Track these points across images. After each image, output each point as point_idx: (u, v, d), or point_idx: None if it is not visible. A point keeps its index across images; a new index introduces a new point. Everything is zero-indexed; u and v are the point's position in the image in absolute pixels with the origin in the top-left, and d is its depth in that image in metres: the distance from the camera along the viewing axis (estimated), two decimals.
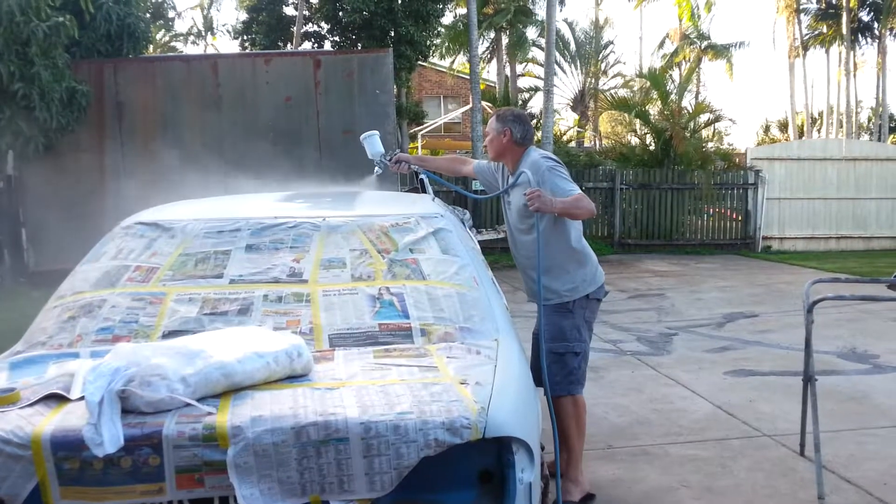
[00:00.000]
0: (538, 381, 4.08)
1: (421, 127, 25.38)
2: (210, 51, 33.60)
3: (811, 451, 4.05)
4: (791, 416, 4.82)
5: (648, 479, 4.19)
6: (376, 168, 4.38)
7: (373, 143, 4.38)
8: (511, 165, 3.98)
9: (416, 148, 24.59)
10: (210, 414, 2.14)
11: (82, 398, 2.17)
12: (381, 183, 4.84)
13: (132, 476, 2.07)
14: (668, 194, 15.83)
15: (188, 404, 2.16)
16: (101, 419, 2.05)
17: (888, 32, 28.82)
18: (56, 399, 2.26)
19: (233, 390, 2.29)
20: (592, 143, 29.81)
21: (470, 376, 2.41)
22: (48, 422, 2.11)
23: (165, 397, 2.14)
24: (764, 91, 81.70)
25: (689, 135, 17.01)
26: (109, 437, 2.02)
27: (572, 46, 31.08)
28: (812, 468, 4.00)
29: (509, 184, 3.94)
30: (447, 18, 23.50)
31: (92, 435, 2.03)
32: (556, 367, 3.83)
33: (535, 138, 21.34)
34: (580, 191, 3.73)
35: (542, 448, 2.70)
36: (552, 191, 3.68)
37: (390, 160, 4.27)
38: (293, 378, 2.43)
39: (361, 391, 2.30)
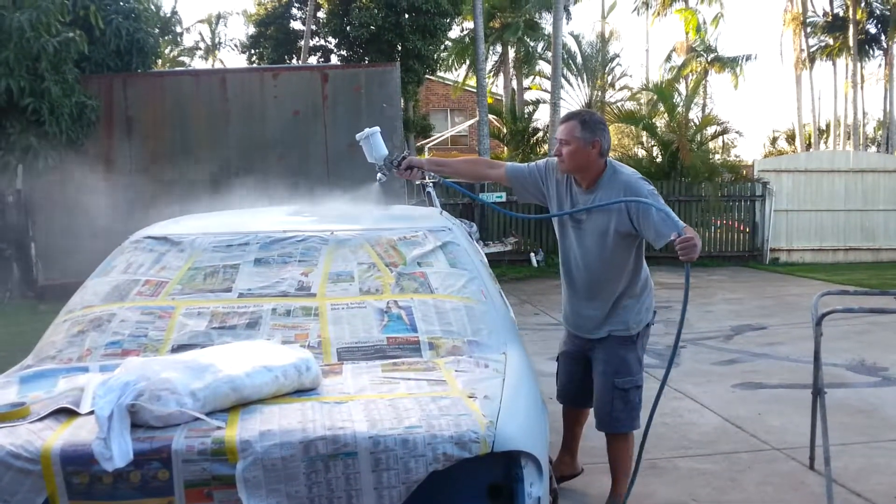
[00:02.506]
0: (568, 400, 3.99)
1: (428, 140, 25.47)
2: (217, 65, 33.78)
3: (821, 465, 4.03)
4: (800, 429, 4.79)
5: (658, 493, 4.16)
6: (379, 175, 3.74)
7: (374, 143, 3.69)
8: (588, 181, 3.49)
9: None
10: (219, 428, 2.14)
11: (92, 412, 2.18)
12: (386, 194, 4.43)
13: (141, 490, 2.07)
14: (675, 206, 15.63)
15: (197, 418, 2.16)
16: (111, 433, 2.05)
17: (895, 44, 28.83)
18: (66, 413, 2.26)
19: (242, 404, 2.29)
20: None
21: (478, 390, 2.41)
22: (58, 436, 2.12)
23: (175, 411, 2.15)
24: (771, 103, 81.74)
25: (696, 147, 17.00)
26: (119, 452, 2.03)
27: (579, 59, 31.16)
28: (822, 482, 3.98)
29: (595, 203, 3.45)
30: (454, 32, 23.65)
31: (101, 449, 2.03)
32: (620, 402, 3.59)
33: (542, 151, 21.41)
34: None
35: (551, 461, 2.69)
36: (655, 223, 3.30)
37: (398, 165, 3.64)
38: (302, 392, 2.43)
39: (370, 405, 2.30)
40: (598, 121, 3.51)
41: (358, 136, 3.73)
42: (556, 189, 3.62)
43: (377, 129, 3.75)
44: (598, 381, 3.68)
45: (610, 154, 3.58)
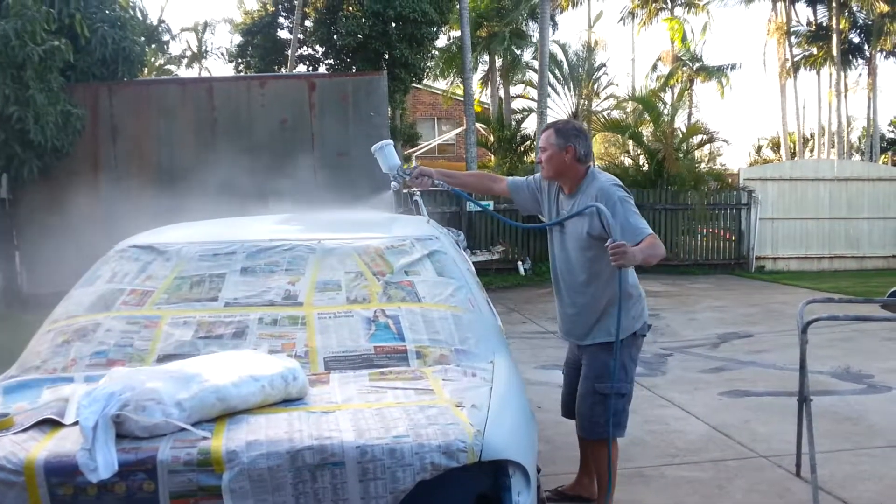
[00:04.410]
0: (568, 413, 4.00)
1: (415, 148, 25.48)
2: (204, 74, 33.71)
3: (807, 472, 4.04)
4: (787, 436, 4.81)
5: (645, 501, 4.17)
6: (393, 183, 3.92)
7: (387, 154, 3.90)
8: (570, 186, 3.63)
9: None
10: (205, 438, 2.13)
11: (76, 423, 2.16)
12: (374, 203, 4.55)
13: (127, 502, 2.05)
14: (661, 215, 15.86)
15: (183, 429, 2.15)
16: (96, 444, 2.04)
17: (878, 54, 29.10)
18: (50, 424, 2.25)
19: (228, 414, 2.28)
20: None
21: (466, 399, 2.41)
22: (42, 447, 2.10)
23: (160, 422, 2.13)
24: (756, 111, 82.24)
25: (682, 156, 17.09)
26: (104, 463, 2.01)
27: (565, 68, 31.30)
28: (808, 489, 3.99)
29: (571, 212, 3.57)
30: (441, 41, 23.68)
31: (86, 460, 2.01)
32: (600, 408, 3.58)
33: (530, 160, 21.45)
34: (650, 229, 3.43)
35: (539, 471, 2.69)
36: (622, 227, 3.36)
37: (410, 174, 3.81)
38: (288, 402, 2.42)
39: (357, 414, 2.29)
40: (573, 127, 3.66)
41: (373, 148, 3.94)
42: (546, 197, 3.77)
43: (390, 141, 4.00)
44: (580, 385, 3.73)
45: (597, 162, 3.62)
